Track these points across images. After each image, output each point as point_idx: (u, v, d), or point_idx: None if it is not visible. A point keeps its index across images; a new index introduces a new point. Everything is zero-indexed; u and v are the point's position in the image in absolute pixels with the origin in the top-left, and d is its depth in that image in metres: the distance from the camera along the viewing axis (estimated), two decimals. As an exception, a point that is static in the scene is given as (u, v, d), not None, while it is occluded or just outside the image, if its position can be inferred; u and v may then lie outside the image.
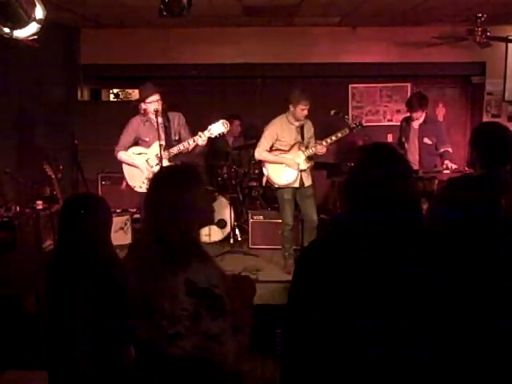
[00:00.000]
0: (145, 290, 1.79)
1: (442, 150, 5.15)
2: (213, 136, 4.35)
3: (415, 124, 5.28)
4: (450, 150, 5.16)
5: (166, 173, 2.01)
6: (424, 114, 5.23)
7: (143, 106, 4.42)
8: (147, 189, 1.94)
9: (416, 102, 5.17)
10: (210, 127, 4.33)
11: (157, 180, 1.91)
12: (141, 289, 1.81)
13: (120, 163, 4.63)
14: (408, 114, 5.39)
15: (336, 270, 1.49)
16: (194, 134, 4.55)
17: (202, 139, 4.31)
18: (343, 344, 1.47)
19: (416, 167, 5.15)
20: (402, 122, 5.58)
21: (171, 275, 1.75)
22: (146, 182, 4.43)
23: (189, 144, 4.35)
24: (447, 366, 1.47)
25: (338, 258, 1.51)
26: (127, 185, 4.64)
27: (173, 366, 1.79)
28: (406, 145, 5.36)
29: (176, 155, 4.39)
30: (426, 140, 5.20)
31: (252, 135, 6.41)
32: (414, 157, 5.28)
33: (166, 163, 4.29)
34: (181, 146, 4.37)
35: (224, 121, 4.35)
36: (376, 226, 1.50)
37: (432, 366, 1.45)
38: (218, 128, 4.31)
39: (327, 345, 1.50)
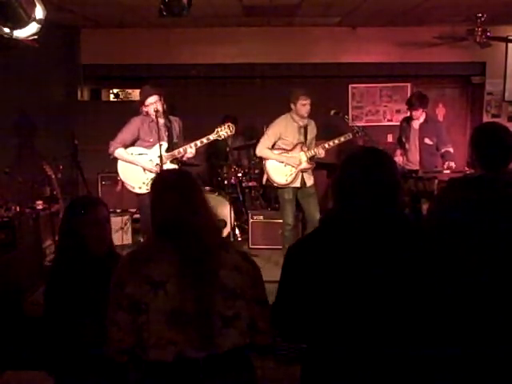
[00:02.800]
0: (197, 277, 1.79)
1: (443, 151, 5.14)
2: (220, 138, 4.49)
3: (415, 124, 5.27)
4: (451, 150, 5.15)
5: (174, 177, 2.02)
6: (424, 114, 5.22)
7: (144, 108, 4.42)
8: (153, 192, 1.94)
9: (416, 100, 5.16)
10: (217, 129, 4.43)
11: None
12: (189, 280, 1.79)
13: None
14: (408, 114, 5.39)
15: (322, 260, 1.58)
16: (190, 135, 4.61)
17: (207, 141, 4.41)
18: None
19: (416, 167, 5.15)
20: (401, 122, 5.57)
21: (226, 251, 1.88)
22: (146, 182, 4.41)
23: (196, 145, 4.41)
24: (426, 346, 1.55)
25: (324, 249, 1.60)
26: (123, 186, 4.63)
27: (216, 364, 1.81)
28: (406, 145, 5.35)
29: (177, 158, 4.41)
30: (427, 140, 5.19)
31: (252, 135, 6.41)
32: (414, 157, 5.27)
33: (168, 165, 4.31)
34: (188, 148, 4.40)
35: (230, 124, 4.46)
36: (357, 220, 1.57)
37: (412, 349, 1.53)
38: (225, 131, 4.43)
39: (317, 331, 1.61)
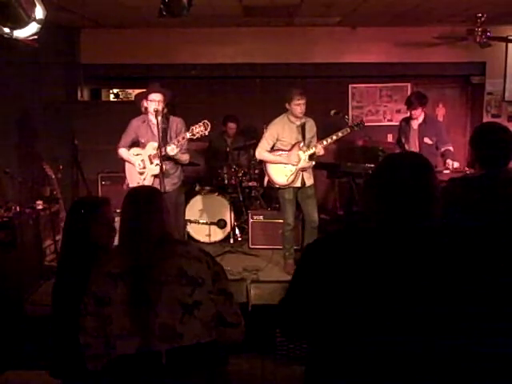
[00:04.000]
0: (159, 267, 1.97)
1: (443, 150, 5.13)
2: (194, 138, 4.29)
3: (414, 124, 5.27)
4: (451, 148, 5.13)
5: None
6: (423, 114, 5.22)
7: (144, 103, 4.43)
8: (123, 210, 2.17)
9: (415, 100, 5.16)
10: (192, 128, 4.27)
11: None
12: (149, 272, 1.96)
13: (120, 163, 4.68)
14: (407, 115, 5.39)
15: (343, 262, 1.50)
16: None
17: (175, 144, 4.26)
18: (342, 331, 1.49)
19: None
20: (401, 122, 5.56)
21: (184, 245, 2.13)
22: (140, 182, 4.45)
23: (174, 144, 4.29)
24: (441, 357, 1.46)
25: (348, 251, 1.52)
26: (128, 185, 4.65)
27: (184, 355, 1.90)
28: (406, 145, 5.34)
29: (167, 157, 4.36)
30: (427, 140, 5.18)
31: (251, 135, 6.42)
32: None
33: (157, 163, 4.29)
34: (168, 148, 4.30)
35: (205, 122, 4.26)
36: (388, 222, 1.50)
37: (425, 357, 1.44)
38: (200, 130, 4.24)
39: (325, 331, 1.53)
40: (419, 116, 5.19)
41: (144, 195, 2.19)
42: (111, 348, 1.91)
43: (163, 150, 4.27)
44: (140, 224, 2.05)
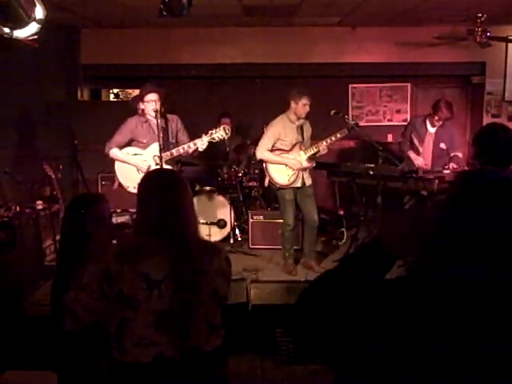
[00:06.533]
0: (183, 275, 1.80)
1: (452, 155, 5.07)
2: (214, 141, 4.35)
3: (432, 128, 5.16)
4: (460, 154, 5.06)
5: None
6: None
7: (141, 105, 4.40)
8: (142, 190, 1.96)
9: (448, 111, 4.94)
10: (210, 132, 4.31)
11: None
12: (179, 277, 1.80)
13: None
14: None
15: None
16: (191, 135, 4.56)
17: (201, 143, 4.30)
18: None
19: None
20: (413, 120, 5.43)
21: (217, 257, 1.89)
22: None
23: (189, 147, 4.33)
24: None
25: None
26: (119, 185, 4.62)
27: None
28: (420, 148, 5.22)
29: (173, 158, 4.39)
30: (442, 145, 5.11)
31: (251, 135, 6.42)
32: (426, 160, 5.16)
33: (164, 165, 4.27)
34: (180, 149, 4.34)
35: (226, 126, 4.35)
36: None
37: None
38: (220, 134, 4.29)
39: None
40: (439, 123, 5.06)
41: (174, 180, 1.95)
42: (120, 352, 1.78)
43: (185, 149, 4.32)
44: (169, 215, 1.83)
